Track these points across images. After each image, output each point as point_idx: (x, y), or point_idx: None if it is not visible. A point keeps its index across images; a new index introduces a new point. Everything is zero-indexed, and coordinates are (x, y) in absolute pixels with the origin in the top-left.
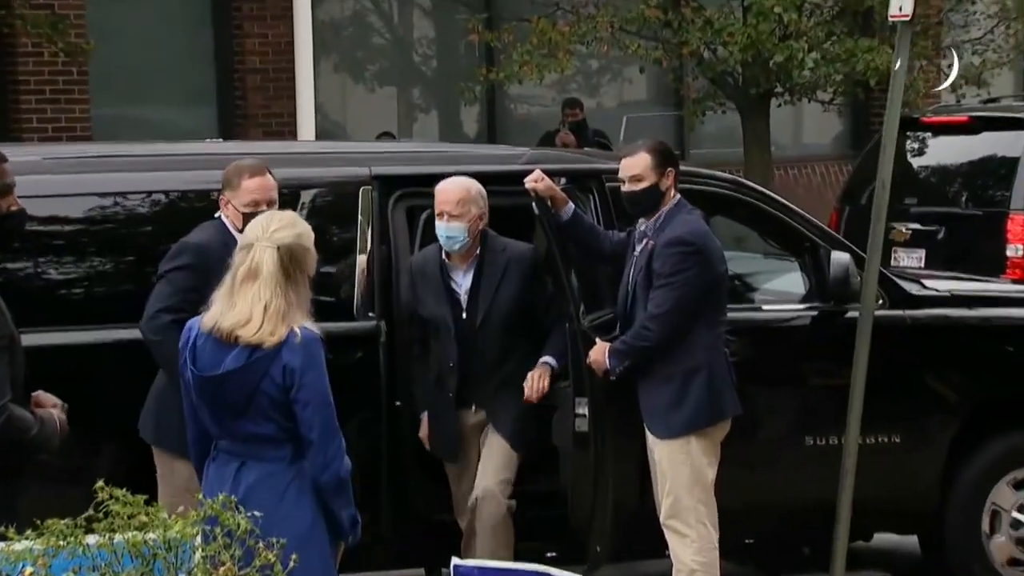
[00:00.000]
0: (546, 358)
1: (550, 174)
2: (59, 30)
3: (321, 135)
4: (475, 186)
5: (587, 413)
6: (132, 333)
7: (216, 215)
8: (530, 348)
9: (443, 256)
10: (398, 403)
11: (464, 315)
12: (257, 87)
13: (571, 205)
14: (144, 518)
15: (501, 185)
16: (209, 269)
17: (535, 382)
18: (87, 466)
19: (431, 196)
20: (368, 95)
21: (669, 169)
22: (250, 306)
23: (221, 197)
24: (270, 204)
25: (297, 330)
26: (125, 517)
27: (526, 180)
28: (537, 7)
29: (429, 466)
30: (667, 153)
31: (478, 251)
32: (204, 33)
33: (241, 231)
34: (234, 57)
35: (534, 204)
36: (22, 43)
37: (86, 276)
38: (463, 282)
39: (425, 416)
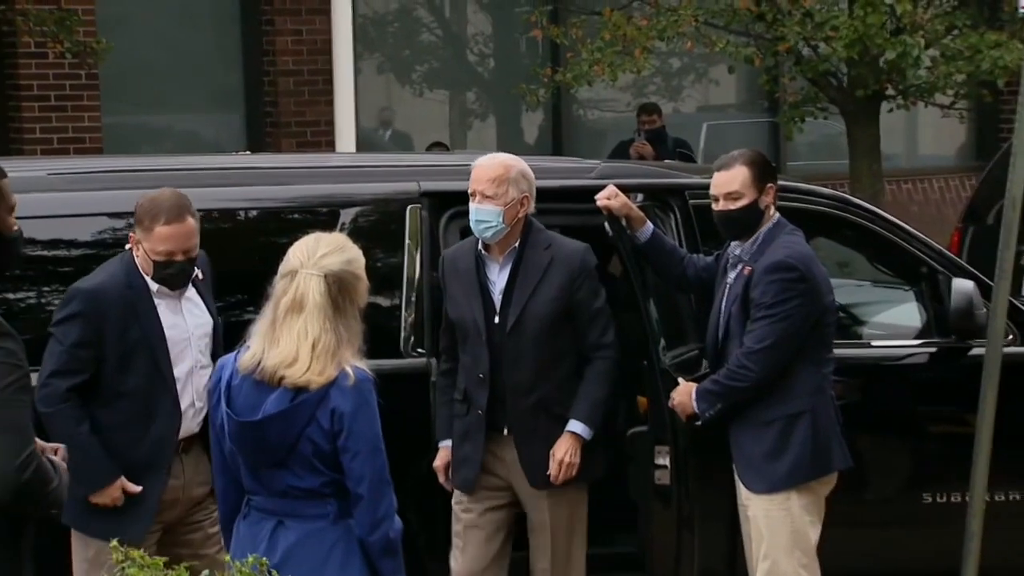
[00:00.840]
0: (573, 425)
1: (625, 190)
2: (66, 27)
3: (362, 146)
4: (518, 165)
5: (668, 464)
6: None
7: (127, 247)
8: (570, 371)
9: (480, 248)
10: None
11: (496, 318)
12: (290, 91)
13: (649, 225)
14: None
15: (569, 202)
16: (103, 317)
17: (563, 462)
18: None
19: None
20: (416, 100)
21: (769, 185)
22: (296, 343)
23: (131, 234)
24: (187, 253)
25: (349, 370)
26: None
27: (598, 197)
28: None
29: None
30: (767, 166)
31: (517, 243)
32: (230, 30)
33: (153, 277)
34: (264, 57)
35: (607, 224)
36: (24, 43)
37: None
38: (498, 279)
39: (444, 444)
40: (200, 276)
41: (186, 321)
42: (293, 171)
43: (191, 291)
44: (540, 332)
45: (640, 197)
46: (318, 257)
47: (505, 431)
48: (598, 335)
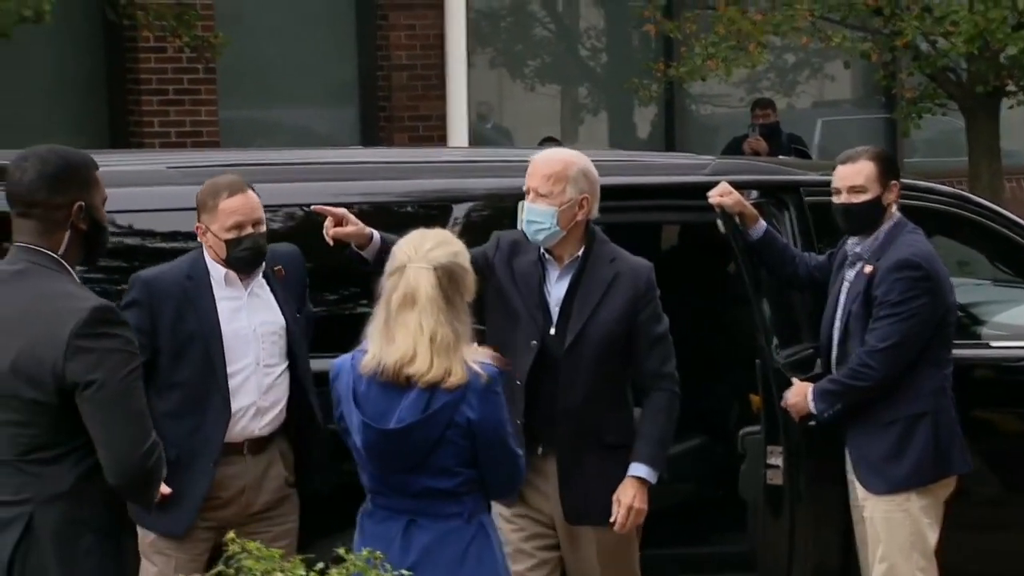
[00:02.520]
0: (637, 468)
1: (739, 186)
2: (185, 22)
3: (475, 140)
4: (579, 162)
5: (781, 464)
6: None
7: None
8: (622, 398)
9: (543, 249)
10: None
11: (553, 330)
12: (403, 86)
13: (762, 223)
14: (280, 574)
15: (682, 199)
16: (158, 306)
17: (632, 508)
18: None
19: (601, 211)
20: (528, 94)
21: (893, 181)
22: (412, 339)
23: (197, 225)
24: (256, 225)
25: (478, 368)
26: (259, 573)
27: (711, 194)
28: None
29: None
30: (891, 163)
31: (580, 253)
32: (344, 25)
33: (225, 261)
34: (378, 52)
35: (720, 221)
36: (144, 37)
37: None
38: (555, 288)
39: None
40: (281, 272)
41: (248, 318)
42: (406, 166)
43: (262, 288)
44: (599, 353)
45: (754, 194)
46: (425, 251)
47: (540, 450)
48: (658, 363)
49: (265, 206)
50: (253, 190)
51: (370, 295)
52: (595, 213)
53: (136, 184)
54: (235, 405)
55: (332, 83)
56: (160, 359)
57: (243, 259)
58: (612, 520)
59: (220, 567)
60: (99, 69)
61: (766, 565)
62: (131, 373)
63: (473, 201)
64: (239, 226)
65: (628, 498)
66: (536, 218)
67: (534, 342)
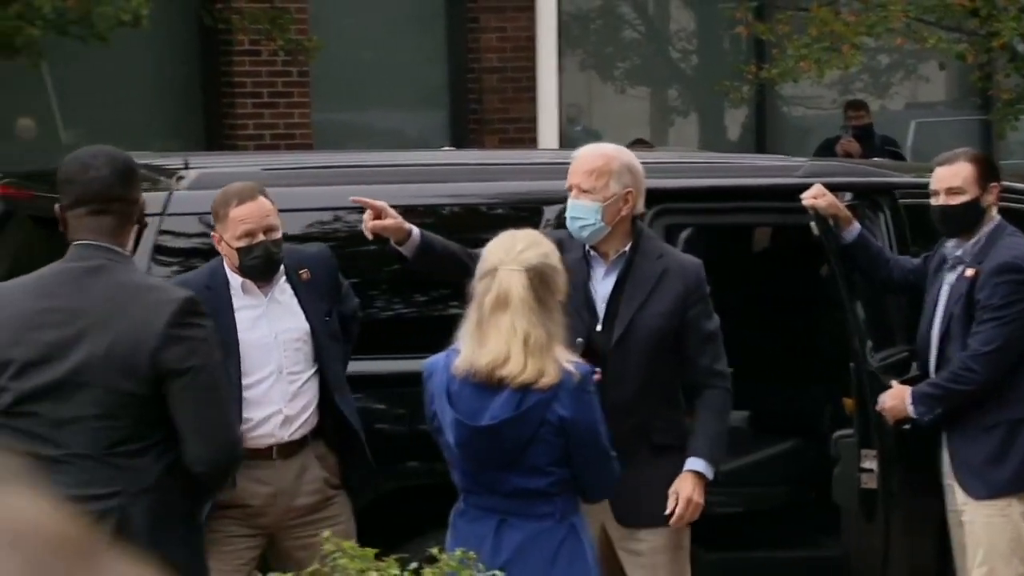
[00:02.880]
0: (695, 463)
1: (833, 188)
2: (279, 25)
3: (564, 142)
4: (622, 157)
5: (875, 468)
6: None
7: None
8: (672, 397)
9: (588, 246)
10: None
11: (599, 327)
12: (494, 88)
13: (856, 225)
14: (375, 574)
15: (775, 200)
16: None
17: (691, 500)
18: None
19: (694, 213)
20: (618, 96)
21: (992, 184)
22: (506, 341)
23: (212, 234)
24: (267, 232)
25: (571, 368)
26: (355, 572)
27: (804, 196)
28: None
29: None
30: (991, 165)
31: (626, 249)
32: (436, 28)
33: (239, 270)
34: (469, 55)
35: (813, 223)
36: (239, 41)
37: None
38: (601, 286)
39: None
40: (305, 275)
41: (270, 325)
42: (497, 167)
43: (284, 293)
44: (647, 349)
45: (848, 196)
46: (516, 252)
47: None
48: (710, 361)
49: (353, 207)
50: (266, 196)
51: (459, 296)
52: (640, 208)
53: None
54: (259, 413)
55: (423, 86)
56: None
57: (255, 267)
58: (668, 513)
59: (315, 566)
60: (195, 73)
61: (859, 570)
62: (219, 361)
63: (564, 203)
64: (250, 234)
65: (687, 491)
66: (580, 214)
67: (580, 339)
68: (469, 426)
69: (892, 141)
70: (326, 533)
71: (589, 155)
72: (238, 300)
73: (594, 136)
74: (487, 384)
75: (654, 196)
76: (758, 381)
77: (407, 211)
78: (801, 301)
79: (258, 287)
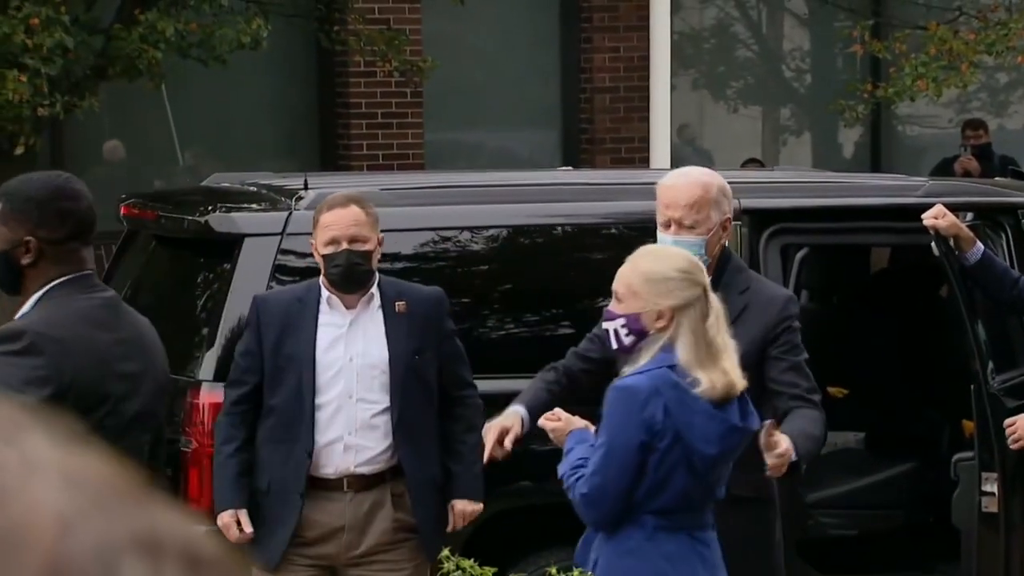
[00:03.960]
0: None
1: (954, 208)
2: (395, 47)
3: (676, 162)
4: (716, 182)
5: (996, 491)
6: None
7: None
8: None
9: None
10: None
11: None
12: (606, 108)
13: (979, 246)
14: None
15: (895, 220)
16: (265, 327)
17: (787, 453)
18: None
19: (810, 233)
20: (730, 116)
21: None
22: (732, 357)
23: (311, 242)
24: (353, 241)
25: None
26: None
27: (925, 216)
28: (935, 12)
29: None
30: None
31: (711, 279)
32: (549, 47)
33: (325, 276)
34: (581, 75)
35: (934, 244)
36: (354, 62)
37: None
38: None
39: (515, 409)
40: (402, 307)
41: (347, 346)
42: (610, 187)
43: (375, 318)
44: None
45: (970, 216)
46: (701, 270)
47: None
48: (795, 386)
49: (468, 227)
50: (362, 207)
51: (570, 316)
52: (730, 232)
53: None
54: (324, 438)
55: (535, 106)
56: (263, 381)
57: (336, 276)
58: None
59: None
60: (311, 94)
61: None
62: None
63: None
64: (334, 241)
65: (783, 445)
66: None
67: None
68: (742, 428)
69: (1012, 160)
70: None
71: (686, 185)
72: (324, 316)
73: (705, 156)
74: (723, 400)
75: (770, 215)
76: (877, 402)
77: (520, 231)
78: (921, 322)
79: (345, 306)
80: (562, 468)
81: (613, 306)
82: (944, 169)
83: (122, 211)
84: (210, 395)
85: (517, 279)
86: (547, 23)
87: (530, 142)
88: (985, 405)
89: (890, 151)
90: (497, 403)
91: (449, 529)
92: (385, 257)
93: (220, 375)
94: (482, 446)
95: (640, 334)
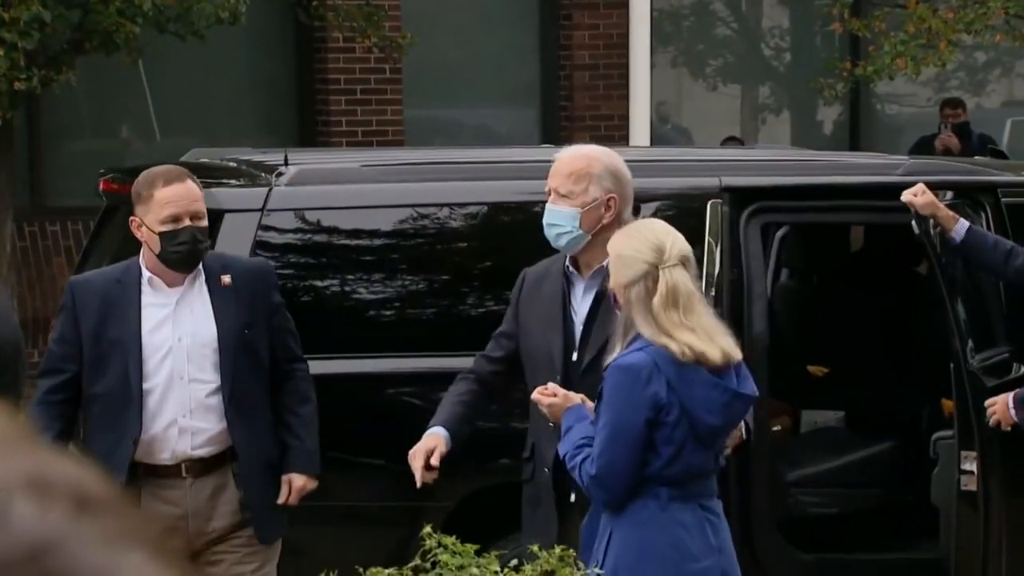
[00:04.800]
0: None
1: (934, 187)
2: (374, 22)
3: (656, 140)
4: (605, 159)
5: (975, 470)
6: (448, 362)
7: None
8: None
9: (567, 263)
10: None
11: (575, 354)
12: (585, 85)
13: (963, 222)
14: (476, 571)
15: (875, 199)
16: (81, 312)
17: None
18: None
19: (790, 211)
20: (708, 94)
21: None
22: (722, 329)
23: (131, 218)
24: (194, 218)
25: None
26: (454, 568)
27: (904, 194)
28: None
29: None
30: None
31: (605, 264)
32: (528, 25)
33: (159, 257)
34: (560, 52)
35: (914, 222)
36: (333, 38)
37: (397, 297)
38: (580, 305)
39: (434, 431)
40: (225, 281)
41: (174, 326)
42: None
43: (201, 294)
44: None
45: (949, 195)
46: (669, 248)
47: (573, 497)
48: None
49: (451, 204)
50: (195, 182)
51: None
52: (627, 216)
53: (336, 182)
54: (154, 424)
55: (514, 83)
56: (83, 368)
57: (179, 254)
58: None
59: (416, 561)
60: (289, 70)
61: (958, 573)
62: None
63: (659, 200)
64: (175, 218)
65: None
66: (556, 220)
67: (558, 376)
68: (746, 396)
69: (991, 139)
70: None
71: (569, 157)
72: (146, 297)
73: (684, 134)
74: (720, 371)
75: (750, 194)
76: (857, 381)
77: (501, 208)
78: (902, 301)
79: (168, 285)
80: (563, 447)
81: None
82: (923, 147)
83: (101, 186)
84: None
85: (498, 256)
86: (526, 0)
87: (509, 119)
88: (964, 383)
89: (869, 129)
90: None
91: (280, 501)
92: (364, 234)
93: None
94: (316, 421)
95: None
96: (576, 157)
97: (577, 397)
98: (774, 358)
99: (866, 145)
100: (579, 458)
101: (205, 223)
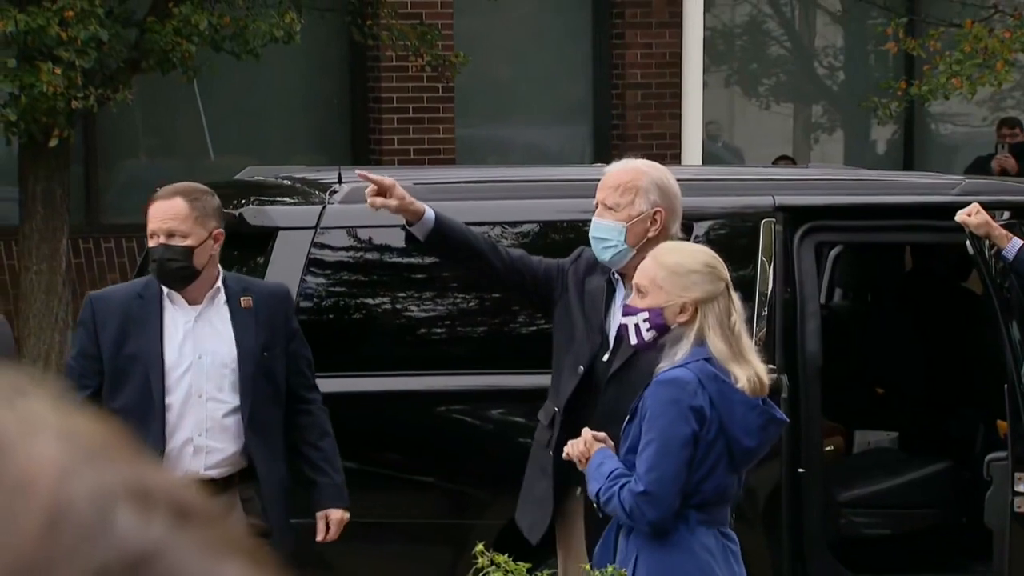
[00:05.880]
0: None
1: (991, 207)
2: (427, 41)
3: (707, 159)
4: (653, 173)
5: None
6: (499, 380)
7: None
8: None
9: (613, 272)
10: (802, 470)
11: (606, 357)
12: (638, 104)
13: (1016, 241)
14: None
15: (930, 219)
16: (102, 326)
17: None
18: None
19: (844, 231)
20: (761, 113)
21: None
22: (755, 353)
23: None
24: (170, 236)
25: None
26: None
27: (958, 214)
28: (969, 10)
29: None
30: None
31: None
32: (581, 43)
33: (156, 273)
34: (613, 70)
35: (968, 242)
36: (387, 57)
37: (449, 315)
38: (616, 313)
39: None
40: (247, 303)
41: (195, 343)
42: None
43: (221, 314)
44: (645, 388)
45: (1006, 215)
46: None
47: (579, 491)
48: None
49: (503, 222)
50: (187, 200)
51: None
52: (674, 232)
53: None
54: (171, 441)
55: (566, 101)
56: (104, 383)
57: (155, 271)
58: None
59: None
60: (343, 88)
61: None
62: None
63: (713, 219)
64: (151, 235)
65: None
66: (602, 234)
67: (581, 367)
68: (781, 421)
69: None
70: None
71: (617, 170)
72: (168, 313)
73: (736, 153)
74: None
75: (804, 213)
76: (912, 401)
77: (552, 227)
78: (957, 320)
79: (188, 301)
80: (595, 485)
81: (633, 300)
82: (979, 167)
83: None
84: None
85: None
86: (579, 18)
87: (561, 138)
88: (1018, 404)
89: (923, 149)
90: (532, 398)
91: (319, 539)
92: (417, 252)
93: None
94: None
95: (661, 329)
96: (624, 170)
97: (602, 438)
98: (826, 378)
99: (920, 165)
100: (616, 487)
101: (186, 242)
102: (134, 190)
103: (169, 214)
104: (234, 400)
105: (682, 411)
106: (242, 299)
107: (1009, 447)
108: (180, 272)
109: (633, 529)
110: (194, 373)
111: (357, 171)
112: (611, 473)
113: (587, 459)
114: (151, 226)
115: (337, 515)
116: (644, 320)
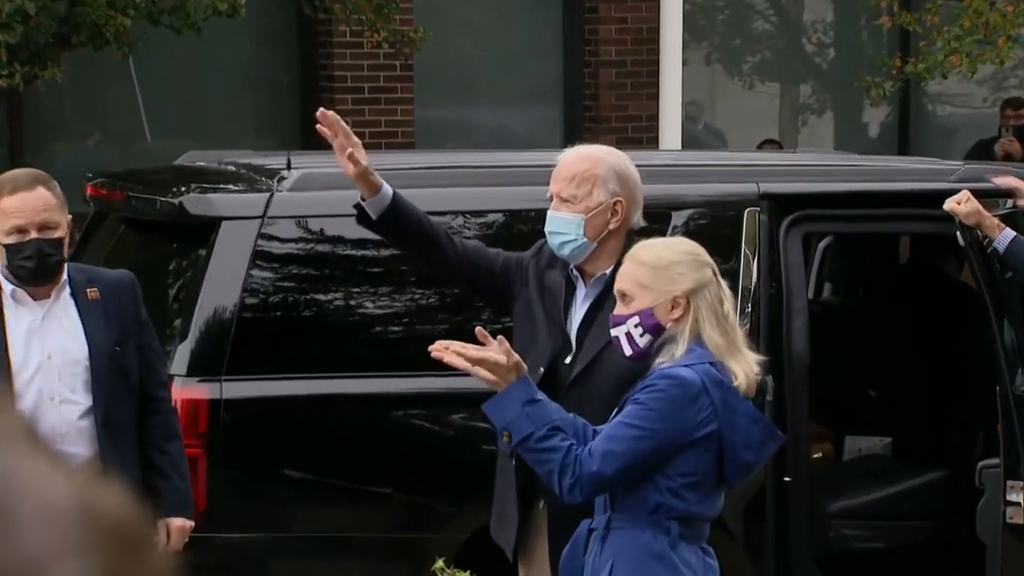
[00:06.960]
0: None
1: (988, 194)
2: (384, 15)
3: (687, 142)
4: (610, 160)
5: (1022, 501)
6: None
7: None
8: None
9: (572, 268)
10: (787, 479)
11: (568, 358)
12: (611, 83)
13: (1008, 231)
14: None
15: (928, 207)
16: None
17: None
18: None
19: (833, 220)
20: (745, 93)
21: None
22: (747, 347)
23: None
24: (43, 229)
25: None
26: None
27: (947, 202)
28: None
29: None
30: None
31: (607, 271)
32: (550, 18)
33: (8, 268)
34: (585, 47)
35: (958, 232)
36: (339, 32)
37: (406, 312)
38: (579, 311)
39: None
40: (93, 295)
41: (42, 342)
42: None
43: (68, 309)
44: (609, 391)
45: (1009, 203)
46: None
47: (541, 504)
48: None
49: (465, 211)
50: (50, 190)
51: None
52: (636, 221)
53: (339, 187)
54: None
55: (534, 80)
56: None
57: (23, 269)
58: None
59: None
60: (292, 65)
61: None
62: None
63: (692, 208)
64: (20, 230)
65: None
66: (559, 228)
67: (541, 368)
68: (781, 438)
69: None
70: None
71: (571, 159)
72: (10, 312)
73: (718, 136)
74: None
75: (790, 202)
76: (905, 404)
77: (518, 216)
78: (955, 317)
79: (33, 298)
80: (526, 425)
81: (619, 309)
82: (981, 152)
83: (88, 191)
84: (183, 391)
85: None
86: None
87: (528, 120)
88: (1011, 408)
89: (919, 132)
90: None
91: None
92: (372, 243)
93: (195, 369)
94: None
95: (655, 331)
96: (579, 158)
97: (507, 350)
98: (815, 379)
99: (916, 149)
100: (562, 453)
101: (58, 234)
102: (64, 177)
103: (39, 205)
104: (87, 401)
105: (677, 414)
106: (88, 290)
107: (1001, 454)
108: (57, 266)
109: (608, 537)
110: (44, 375)
111: (319, 112)
112: (552, 421)
113: (504, 372)
114: (16, 221)
115: (178, 523)
116: (636, 326)
